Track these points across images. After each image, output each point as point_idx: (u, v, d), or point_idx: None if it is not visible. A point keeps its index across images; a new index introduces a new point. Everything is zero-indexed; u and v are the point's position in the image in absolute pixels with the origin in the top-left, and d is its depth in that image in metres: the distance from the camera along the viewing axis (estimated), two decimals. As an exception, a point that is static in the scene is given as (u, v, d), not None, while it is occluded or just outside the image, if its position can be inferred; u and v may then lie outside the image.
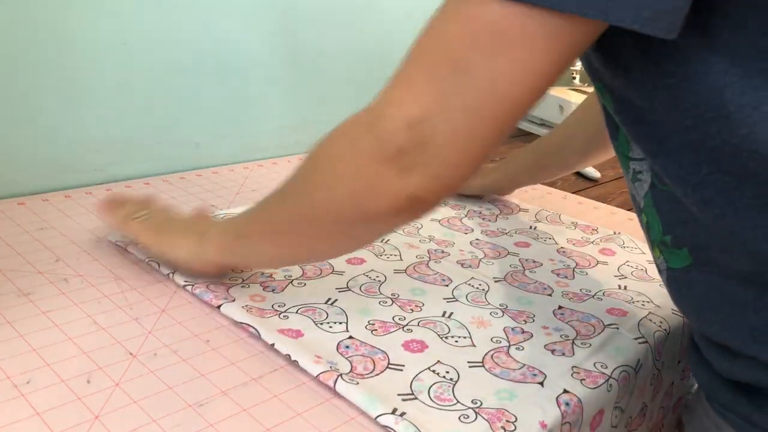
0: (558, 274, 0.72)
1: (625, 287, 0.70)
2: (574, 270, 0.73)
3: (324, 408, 0.47)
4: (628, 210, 0.96)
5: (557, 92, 1.44)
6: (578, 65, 1.51)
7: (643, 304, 0.66)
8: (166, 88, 0.93)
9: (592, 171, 1.12)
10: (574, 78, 1.53)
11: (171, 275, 0.63)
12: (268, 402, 0.47)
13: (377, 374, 0.51)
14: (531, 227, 0.85)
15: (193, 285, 0.61)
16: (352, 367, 0.51)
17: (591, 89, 1.51)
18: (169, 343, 0.53)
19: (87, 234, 0.71)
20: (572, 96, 1.42)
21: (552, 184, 1.06)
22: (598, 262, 0.76)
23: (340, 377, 0.49)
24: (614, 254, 0.78)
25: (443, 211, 0.88)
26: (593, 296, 0.67)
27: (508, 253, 0.77)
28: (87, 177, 0.87)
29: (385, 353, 0.54)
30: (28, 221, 0.73)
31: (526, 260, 0.75)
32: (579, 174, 1.14)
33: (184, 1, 0.91)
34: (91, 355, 0.50)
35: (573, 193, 1.03)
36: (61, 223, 0.74)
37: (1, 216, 0.74)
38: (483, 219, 0.87)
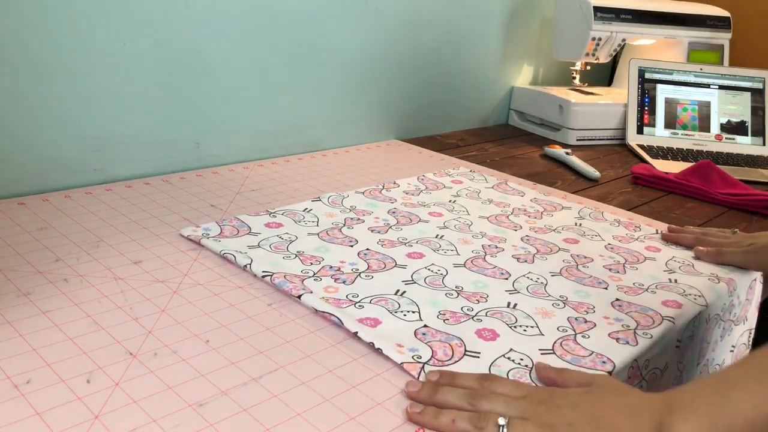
0: (610, 269, 0.74)
1: (676, 281, 0.72)
2: (624, 265, 0.75)
3: (324, 408, 0.47)
4: (628, 210, 0.96)
5: (557, 92, 1.44)
6: (578, 65, 1.51)
7: (695, 299, 0.68)
8: (166, 88, 0.93)
9: (592, 171, 1.12)
10: (574, 78, 1.53)
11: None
12: (268, 402, 0.47)
13: (456, 361, 0.53)
14: (576, 224, 0.87)
15: (271, 275, 0.63)
16: (432, 352, 0.54)
17: (591, 89, 1.51)
18: (169, 343, 0.53)
19: (87, 234, 0.72)
20: (572, 96, 1.41)
21: (552, 184, 1.06)
22: (645, 258, 0.78)
23: (422, 369, 0.51)
24: (659, 251, 0.80)
25: (489, 209, 0.90)
26: (647, 290, 0.69)
27: (559, 249, 0.79)
28: (87, 177, 0.87)
29: (461, 339, 0.56)
30: (28, 221, 0.73)
31: (578, 256, 0.77)
32: (579, 174, 1.14)
33: (184, 2, 0.91)
34: (91, 355, 0.50)
35: (573, 193, 1.03)
36: (61, 223, 0.74)
37: (1, 216, 0.74)
38: (529, 216, 0.89)
